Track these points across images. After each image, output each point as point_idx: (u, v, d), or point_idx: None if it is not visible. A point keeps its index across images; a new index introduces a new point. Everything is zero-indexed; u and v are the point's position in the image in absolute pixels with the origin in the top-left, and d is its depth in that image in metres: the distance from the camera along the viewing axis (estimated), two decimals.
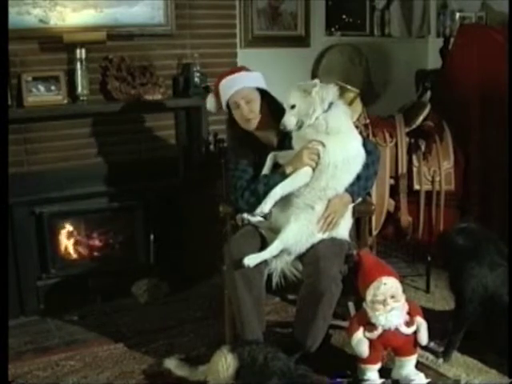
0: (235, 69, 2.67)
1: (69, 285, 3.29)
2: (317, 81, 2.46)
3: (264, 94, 2.58)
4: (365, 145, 2.52)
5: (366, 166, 2.48)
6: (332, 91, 2.45)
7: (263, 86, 2.59)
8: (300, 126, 2.44)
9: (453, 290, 2.67)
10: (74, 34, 3.06)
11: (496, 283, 2.53)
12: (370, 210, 2.65)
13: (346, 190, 2.47)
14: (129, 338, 2.90)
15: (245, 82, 2.54)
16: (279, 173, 2.47)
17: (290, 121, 2.42)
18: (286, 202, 2.46)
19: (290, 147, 2.52)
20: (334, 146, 2.41)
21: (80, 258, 3.42)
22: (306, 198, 2.44)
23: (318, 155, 2.41)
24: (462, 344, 2.67)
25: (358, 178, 2.47)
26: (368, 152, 2.51)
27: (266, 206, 2.41)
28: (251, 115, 2.53)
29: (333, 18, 4.19)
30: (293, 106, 2.41)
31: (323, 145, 2.41)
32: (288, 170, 2.46)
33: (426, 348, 2.62)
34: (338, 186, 2.44)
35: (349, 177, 2.46)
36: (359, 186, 2.48)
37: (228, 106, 2.59)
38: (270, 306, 3.10)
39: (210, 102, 2.71)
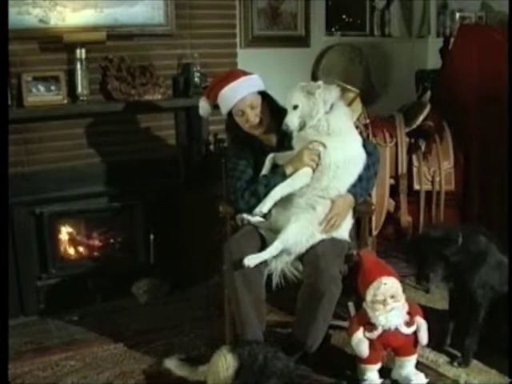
0: (233, 74, 2.61)
1: (69, 285, 3.29)
2: (320, 82, 2.46)
3: (263, 95, 2.58)
4: (365, 146, 2.53)
5: (366, 167, 2.49)
6: (334, 92, 2.45)
7: (263, 88, 2.59)
8: (302, 126, 2.44)
9: (461, 294, 2.65)
10: (74, 33, 3.05)
11: (501, 282, 2.54)
12: (370, 210, 2.65)
13: (349, 191, 2.47)
14: (129, 338, 2.90)
15: (248, 89, 2.53)
16: (279, 173, 2.48)
17: (292, 121, 2.42)
18: (286, 202, 2.46)
19: (289, 147, 2.53)
20: (334, 146, 2.42)
21: (80, 257, 3.42)
22: (309, 197, 2.44)
23: (319, 156, 2.42)
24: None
25: (360, 179, 2.48)
26: (368, 153, 2.52)
27: (265, 206, 2.42)
28: (257, 120, 2.53)
29: (333, 18, 4.19)
30: (295, 107, 2.41)
31: (324, 145, 2.41)
32: (288, 170, 2.46)
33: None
34: (339, 186, 2.45)
35: (350, 177, 2.47)
36: (361, 187, 2.49)
37: (229, 112, 2.58)
38: (270, 305, 3.10)
39: (203, 108, 2.69)
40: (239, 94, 2.51)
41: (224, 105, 2.57)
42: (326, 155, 2.41)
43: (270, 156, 2.54)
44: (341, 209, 2.46)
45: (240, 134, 2.62)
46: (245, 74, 2.60)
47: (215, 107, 2.67)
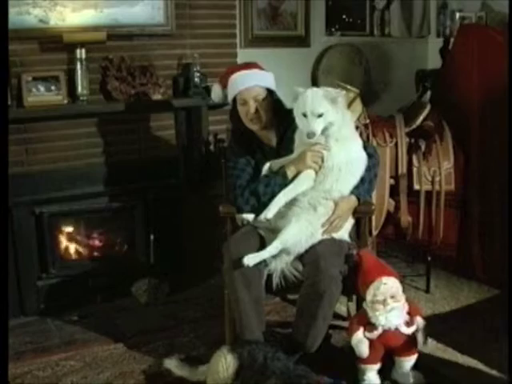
0: (249, 65, 2.64)
1: (69, 285, 3.29)
2: (343, 92, 2.46)
3: (270, 94, 2.58)
4: (365, 148, 2.54)
5: (368, 169, 2.50)
6: (344, 98, 2.46)
7: (273, 86, 2.59)
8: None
9: None
10: (74, 33, 3.06)
11: None
12: (370, 210, 2.65)
13: (352, 193, 2.47)
14: (129, 338, 2.90)
15: (257, 81, 2.54)
16: (281, 174, 2.47)
17: (318, 130, 2.37)
18: (287, 201, 2.46)
19: (288, 148, 2.53)
20: (337, 149, 2.42)
21: (80, 258, 3.42)
22: (311, 197, 2.44)
23: (322, 158, 2.41)
24: (462, 344, 2.68)
25: (362, 180, 2.49)
26: (368, 155, 2.52)
27: (270, 212, 2.41)
28: (256, 115, 2.53)
29: (333, 18, 4.18)
30: (320, 115, 2.37)
31: (328, 148, 2.41)
32: (290, 171, 2.46)
33: None
34: (342, 188, 2.46)
35: (353, 179, 2.47)
36: (363, 189, 2.49)
37: (234, 100, 2.59)
38: (269, 305, 3.10)
39: (215, 92, 2.74)
40: (247, 83, 2.53)
41: (231, 90, 2.58)
42: (328, 158, 2.41)
43: (266, 165, 2.53)
44: (343, 211, 2.47)
45: (240, 127, 2.62)
46: (261, 68, 2.62)
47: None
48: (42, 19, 3.02)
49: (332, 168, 2.42)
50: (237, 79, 2.55)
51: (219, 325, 2.79)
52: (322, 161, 2.42)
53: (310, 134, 2.37)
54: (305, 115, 2.38)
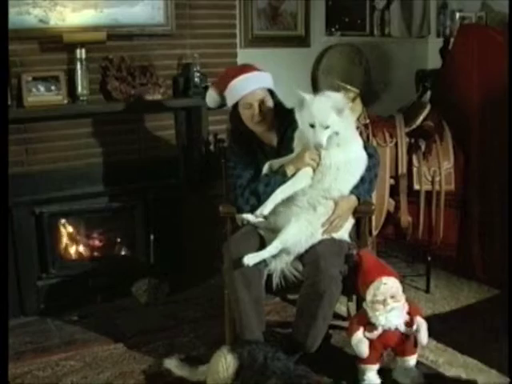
0: (246, 68, 2.61)
1: (69, 285, 3.29)
2: (347, 100, 2.46)
3: (271, 94, 2.58)
4: (365, 148, 2.54)
5: (368, 169, 2.49)
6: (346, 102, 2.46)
7: (272, 86, 2.59)
8: None
9: None
10: (74, 33, 3.06)
11: None
12: (370, 210, 2.65)
13: (352, 193, 2.47)
14: (129, 338, 2.90)
15: (259, 83, 2.53)
16: (280, 173, 2.48)
17: (324, 140, 2.35)
18: (287, 200, 2.45)
19: (289, 147, 2.52)
20: (335, 148, 2.41)
21: (80, 258, 3.42)
22: (311, 196, 2.44)
23: (319, 156, 2.41)
24: (462, 344, 2.68)
25: (362, 180, 2.48)
26: (369, 155, 2.52)
27: (266, 208, 2.41)
28: (262, 117, 2.52)
29: (333, 18, 4.18)
30: (328, 127, 2.35)
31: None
32: (289, 170, 2.46)
33: None
34: (341, 187, 2.45)
35: (352, 178, 2.47)
36: (364, 189, 2.49)
37: (235, 104, 2.57)
38: (269, 305, 3.10)
39: (211, 97, 2.68)
40: (250, 86, 2.51)
41: (232, 95, 2.55)
42: (326, 156, 2.41)
43: (267, 164, 2.53)
44: (343, 211, 2.47)
45: (240, 128, 2.61)
46: (258, 69, 2.60)
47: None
48: (42, 19, 3.02)
49: (330, 166, 2.42)
50: (237, 84, 2.53)
51: (219, 325, 2.79)
52: (320, 158, 2.42)
53: (318, 146, 2.37)
54: (312, 126, 2.36)
